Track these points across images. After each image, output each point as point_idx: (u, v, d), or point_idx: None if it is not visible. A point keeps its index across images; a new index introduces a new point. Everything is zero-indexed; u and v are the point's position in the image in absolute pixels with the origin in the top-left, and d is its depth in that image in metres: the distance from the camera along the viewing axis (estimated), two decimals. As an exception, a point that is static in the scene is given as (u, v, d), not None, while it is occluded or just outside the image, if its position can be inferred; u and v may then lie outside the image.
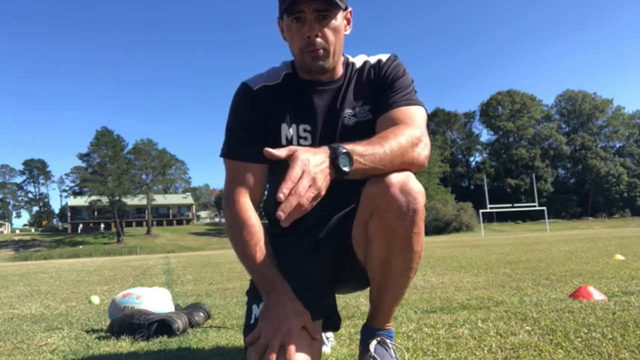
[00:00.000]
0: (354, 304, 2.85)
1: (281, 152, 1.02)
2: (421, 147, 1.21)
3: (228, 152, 1.34)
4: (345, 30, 1.34)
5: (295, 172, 0.98)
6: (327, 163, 1.04)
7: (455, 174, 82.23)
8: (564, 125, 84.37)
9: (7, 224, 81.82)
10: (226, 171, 1.33)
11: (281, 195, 0.95)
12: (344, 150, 1.07)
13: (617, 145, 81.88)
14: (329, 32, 1.26)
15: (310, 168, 1.00)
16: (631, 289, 2.83)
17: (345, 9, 1.31)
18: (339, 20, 1.28)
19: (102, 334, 2.32)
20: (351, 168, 1.08)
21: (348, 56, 1.43)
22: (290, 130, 1.35)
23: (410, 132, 1.20)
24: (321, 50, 1.26)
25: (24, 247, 55.16)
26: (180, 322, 2.21)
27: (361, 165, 1.10)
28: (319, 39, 1.25)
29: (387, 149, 1.13)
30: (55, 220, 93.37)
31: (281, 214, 0.95)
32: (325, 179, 1.03)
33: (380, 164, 1.13)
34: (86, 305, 3.77)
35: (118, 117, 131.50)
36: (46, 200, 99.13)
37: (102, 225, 67.42)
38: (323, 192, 1.02)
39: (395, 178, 1.15)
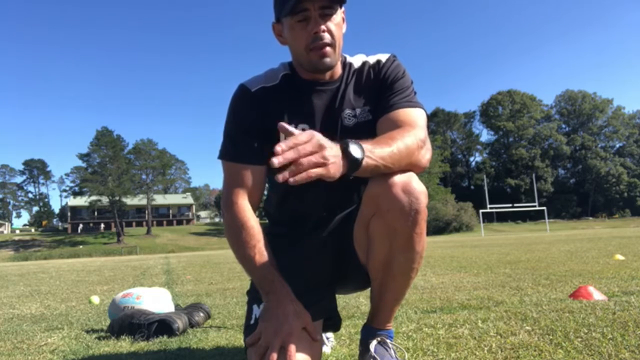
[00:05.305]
0: (354, 304, 2.85)
1: (296, 131, 0.98)
2: (425, 149, 1.21)
3: (226, 154, 1.33)
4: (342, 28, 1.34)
5: (300, 136, 0.95)
6: (340, 153, 1.02)
7: (455, 174, 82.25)
8: (564, 125, 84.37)
9: (7, 224, 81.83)
10: (225, 173, 1.33)
11: (278, 149, 0.91)
12: (354, 141, 1.06)
13: (617, 145, 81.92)
14: (333, 27, 1.25)
15: (317, 138, 0.97)
16: (631, 289, 2.83)
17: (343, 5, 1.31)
18: (339, 16, 1.28)
19: (102, 334, 2.32)
20: (363, 156, 1.06)
21: (346, 56, 1.42)
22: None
23: (415, 134, 1.20)
24: (328, 48, 1.26)
25: (24, 247, 55.15)
26: (180, 322, 2.21)
27: (371, 161, 1.08)
28: (325, 34, 1.24)
29: (394, 148, 1.13)
30: (55, 220, 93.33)
31: (275, 160, 0.90)
32: (338, 168, 1.01)
33: (388, 162, 1.12)
34: (86, 305, 3.77)
35: (118, 117, 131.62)
36: (46, 200, 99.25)
37: (102, 225, 67.40)
38: (332, 172, 0.99)
39: (398, 178, 1.15)
